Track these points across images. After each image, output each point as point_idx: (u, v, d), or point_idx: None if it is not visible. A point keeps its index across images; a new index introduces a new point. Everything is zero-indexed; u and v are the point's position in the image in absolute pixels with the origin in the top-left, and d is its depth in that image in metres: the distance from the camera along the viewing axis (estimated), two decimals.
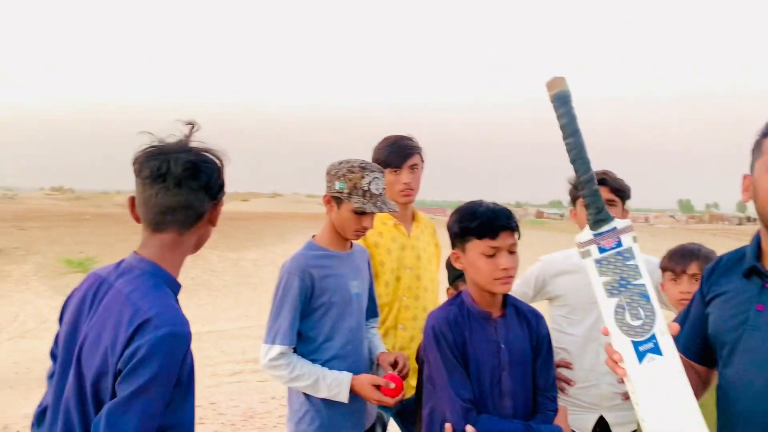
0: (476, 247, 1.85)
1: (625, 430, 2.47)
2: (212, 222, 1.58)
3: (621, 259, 1.50)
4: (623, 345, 1.46)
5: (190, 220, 1.51)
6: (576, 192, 2.54)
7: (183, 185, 1.47)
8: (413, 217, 2.86)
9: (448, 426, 1.83)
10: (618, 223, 1.53)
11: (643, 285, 1.48)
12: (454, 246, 1.96)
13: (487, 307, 1.91)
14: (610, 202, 2.48)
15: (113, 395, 1.37)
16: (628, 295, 1.48)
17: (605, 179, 2.48)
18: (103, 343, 1.40)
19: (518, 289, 2.63)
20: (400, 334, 2.71)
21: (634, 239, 1.53)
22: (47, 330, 9.02)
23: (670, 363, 1.44)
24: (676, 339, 1.76)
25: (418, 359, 2.42)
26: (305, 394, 2.28)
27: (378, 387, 2.22)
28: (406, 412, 2.74)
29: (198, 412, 5.55)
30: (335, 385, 2.21)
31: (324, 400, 2.25)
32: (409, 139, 2.81)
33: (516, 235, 1.88)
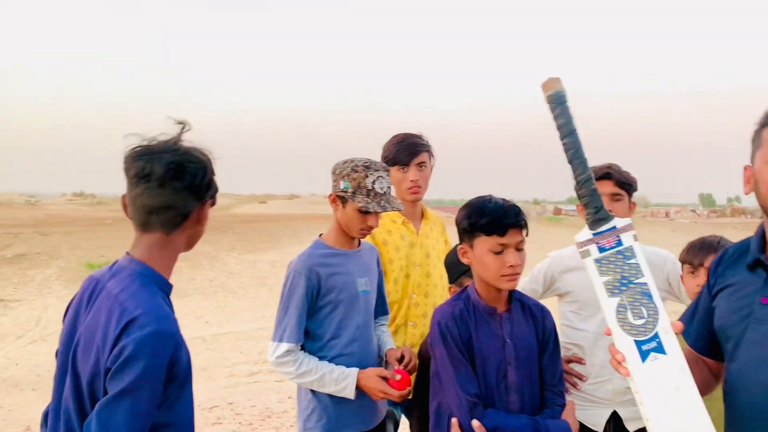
0: (484, 243, 1.85)
1: (639, 425, 2.44)
2: (201, 222, 1.58)
3: (621, 258, 1.49)
4: (626, 345, 1.45)
5: (175, 220, 1.51)
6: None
7: (166, 186, 1.47)
8: (422, 215, 2.86)
9: (454, 421, 1.83)
10: (618, 221, 1.53)
11: (645, 284, 1.47)
12: (461, 241, 1.96)
13: (492, 302, 1.91)
14: (616, 196, 2.46)
15: (105, 394, 1.38)
16: (630, 294, 1.47)
17: (610, 173, 2.46)
18: (95, 344, 1.43)
19: (527, 287, 2.62)
20: (411, 331, 2.71)
21: (635, 237, 1.51)
22: None
23: (674, 361, 1.43)
24: (687, 333, 1.75)
25: (420, 355, 2.42)
26: (313, 392, 2.29)
27: (385, 380, 2.22)
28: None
29: (215, 412, 5.62)
30: (342, 379, 2.21)
31: (332, 398, 2.26)
32: (418, 137, 2.81)
33: (524, 233, 1.88)
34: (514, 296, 1.96)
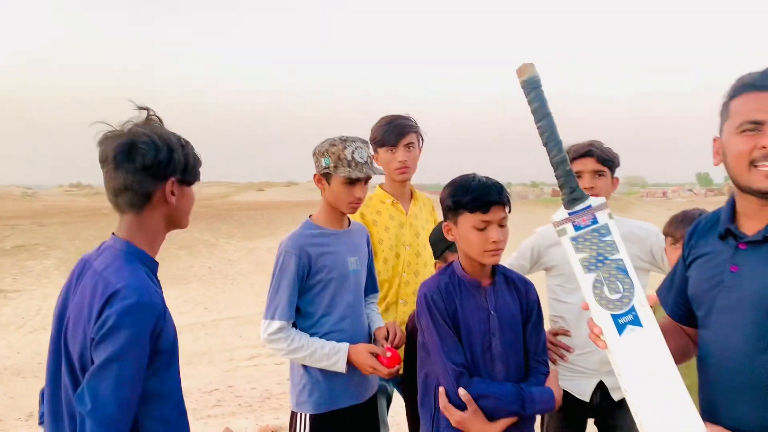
0: (468, 220, 1.90)
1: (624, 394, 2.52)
2: (170, 200, 1.60)
3: (597, 235, 1.54)
4: (603, 318, 1.51)
5: (137, 201, 1.56)
6: None
7: (120, 168, 1.53)
8: (411, 196, 2.91)
9: (441, 390, 1.89)
10: (593, 201, 1.58)
11: (621, 259, 1.52)
12: (446, 218, 2.00)
13: (477, 276, 1.96)
14: (599, 173, 2.51)
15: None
16: (606, 270, 1.52)
17: (592, 150, 2.50)
18: (83, 319, 1.49)
19: (515, 262, 2.67)
20: (401, 308, 2.77)
21: (610, 216, 1.57)
22: None
23: (650, 334, 1.48)
24: (665, 303, 1.81)
25: (407, 329, 2.48)
26: (305, 368, 2.35)
27: (376, 356, 2.29)
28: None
29: (216, 395, 5.71)
30: (333, 353, 2.27)
31: (323, 373, 2.32)
32: (406, 118, 2.86)
33: (507, 209, 1.92)
34: (498, 270, 2.01)
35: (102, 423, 1.40)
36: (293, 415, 2.39)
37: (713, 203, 1.81)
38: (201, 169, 1.71)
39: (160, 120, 1.65)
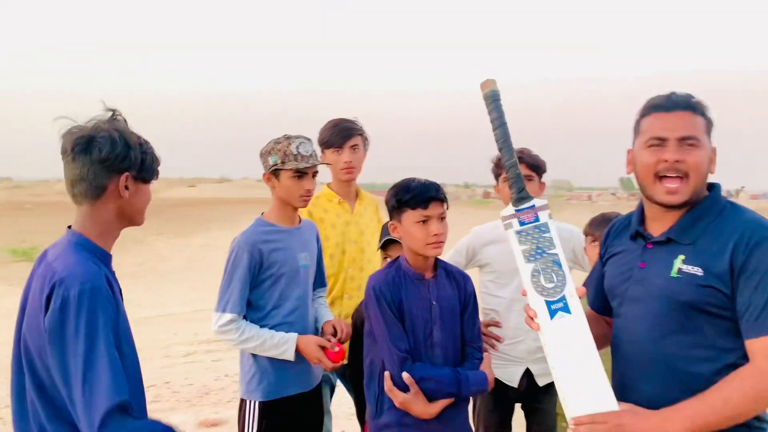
0: (410, 216, 2.08)
1: (548, 379, 2.75)
2: (123, 194, 1.66)
3: (538, 231, 1.76)
4: (538, 303, 1.72)
5: (91, 192, 1.64)
6: (498, 170, 2.83)
7: (77, 159, 1.62)
8: (357, 195, 3.08)
9: (387, 374, 2.06)
10: (536, 201, 1.80)
11: (557, 254, 1.75)
12: (391, 217, 2.18)
13: (420, 269, 2.15)
14: (527, 177, 2.74)
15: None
16: (543, 262, 1.74)
17: (522, 157, 2.73)
18: (35, 309, 1.55)
19: (452, 260, 2.88)
20: (347, 302, 2.94)
21: (550, 216, 1.79)
22: None
23: (577, 320, 1.70)
24: (588, 296, 2.05)
25: (354, 319, 2.65)
26: (254, 358, 2.47)
27: (323, 349, 2.44)
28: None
29: (152, 391, 5.70)
30: (282, 343, 2.41)
31: (272, 363, 2.44)
32: (351, 121, 3.02)
33: (444, 205, 2.12)
34: (439, 264, 2.21)
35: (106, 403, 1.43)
36: (243, 402, 2.50)
37: (634, 206, 2.06)
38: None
39: (125, 121, 1.73)
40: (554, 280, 1.72)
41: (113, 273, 1.70)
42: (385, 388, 2.07)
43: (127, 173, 1.67)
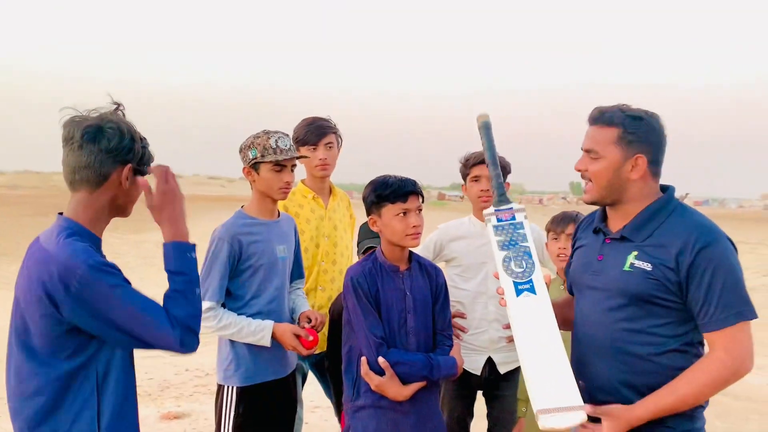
0: (390, 210, 2.23)
1: (509, 367, 2.95)
2: (123, 185, 1.73)
3: (513, 227, 1.99)
4: (507, 283, 1.93)
5: (95, 179, 1.71)
6: (465, 170, 3.01)
7: (84, 147, 1.69)
8: (330, 191, 3.21)
9: (363, 359, 2.21)
10: (515, 205, 2.04)
11: (528, 247, 1.96)
12: (370, 213, 2.32)
13: (396, 261, 2.30)
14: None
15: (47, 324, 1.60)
16: (515, 251, 1.95)
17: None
18: (34, 292, 1.62)
19: (421, 254, 3.04)
20: (320, 294, 3.07)
21: (525, 217, 2.02)
22: None
23: (542, 301, 1.90)
24: (567, 282, 2.24)
25: (331, 311, 2.78)
26: (232, 344, 2.57)
27: (298, 337, 2.56)
28: (323, 363, 3.11)
29: None
30: (259, 330, 2.52)
31: (249, 350, 2.55)
32: (326, 120, 3.15)
33: (420, 199, 2.29)
34: (413, 257, 2.37)
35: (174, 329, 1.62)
36: (220, 387, 2.60)
37: (584, 210, 2.26)
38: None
39: (124, 115, 1.81)
40: (523, 267, 1.94)
41: (104, 257, 1.75)
42: (362, 372, 2.21)
43: (130, 165, 1.76)
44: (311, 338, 2.58)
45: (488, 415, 3.08)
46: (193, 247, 1.78)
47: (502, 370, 2.95)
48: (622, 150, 1.87)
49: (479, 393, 3.10)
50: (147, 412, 5.00)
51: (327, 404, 4.83)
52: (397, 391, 2.18)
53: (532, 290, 1.91)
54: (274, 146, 2.57)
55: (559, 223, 2.89)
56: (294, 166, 2.68)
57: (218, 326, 2.51)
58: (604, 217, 2.03)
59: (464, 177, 3.03)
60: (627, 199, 1.91)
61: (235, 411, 2.55)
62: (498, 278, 1.97)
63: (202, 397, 5.51)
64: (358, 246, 2.82)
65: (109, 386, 1.70)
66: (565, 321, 2.06)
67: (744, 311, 1.74)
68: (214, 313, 2.50)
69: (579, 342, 2.00)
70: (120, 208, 1.81)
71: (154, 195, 1.76)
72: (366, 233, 2.70)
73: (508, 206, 2.03)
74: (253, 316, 2.58)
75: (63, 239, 1.65)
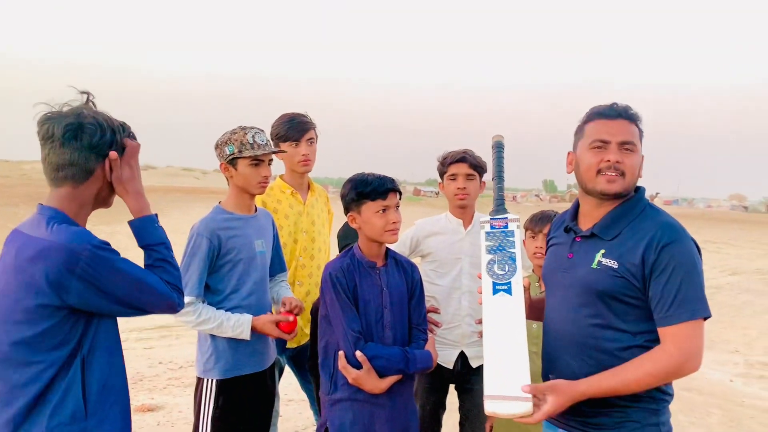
0: (370, 207, 2.29)
1: (481, 362, 2.98)
2: (107, 177, 1.76)
3: (504, 235, 2.08)
4: (486, 283, 2.02)
5: (79, 175, 1.73)
6: (443, 168, 3.07)
7: (66, 145, 1.70)
8: (309, 187, 3.25)
9: (341, 353, 2.26)
10: (510, 215, 2.13)
11: (514, 253, 2.05)
12: (349, 210, 2.36)
13: (373, 258, 2.35)
14: (470, 176, 3.01)
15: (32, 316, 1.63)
16: (500, 256, 2.04)
17: (465, 157, 3.00)
18: (26, 284, 1.62)
19: (397, 249, 3.10)
20: (297, 289, 3.11)
21: (518, 227, 2.11)
22: None
23: (516, 301, 1.97)
24: None
25: (314, 308, 2.82)
26: (211, 338, 2.59)
27: (277, 324, 2.59)
28: (300, 357, 3.16)
29: None
30: (238, 325, 2.55)
31: (228, 343, 2.58)
32: (305, 115, 3.18)
33: (398, 196, 2.35)
34: (389, 254, 2.42)
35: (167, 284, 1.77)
36: (199, 381, 2.63)
37: (557, 208, 2.35)
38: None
39: (94, 105, 1.82)
40: (505, 270, 2.02)
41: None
42: (339, 365, 2.26)
43: (113, 159, 1.77)
44: (291, 319, 2.62)
45: (460, 408, 3.14)
46: (156, 216, 1.89)
47: (474, 364, 3.02)
48: (641, 148, 1.97)
49: (452, 386, 3.17)
50: None
51: (301, 398, 4.89)
52: (374, 384, 2.24)
53: (508, 291, 1.99)
54: (251, 142, 2.60)
55: (537, 222, 2.97)
56: (271, 161, 2.71)
57: (198, 321, 2.53)
58: (575, 216, 2.09)
59: (441, 175, 3.10)
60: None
61: (214, 404, 2.57)
62: (480, 278, 2.04)
63: (175, 390, 5.52)
64: (339, 244, 2.86)
65: (94, 363, 1.72)
66: (539, 313, 2.18)
67: (697, 309, 1.79)
68: (193, 308, 2.52)
69: (549, 337, 2.07)
70: (103, 200, 1.83)
71: (123, 168, 1.80)
72: (348, 234, 2.75)
73: (504, 215, 2.12)
74: (233, 310, 2.60)
75: (56, 226, 1.66)
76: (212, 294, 2.62)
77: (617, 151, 1.91)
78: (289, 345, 3.07)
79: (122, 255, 1.71)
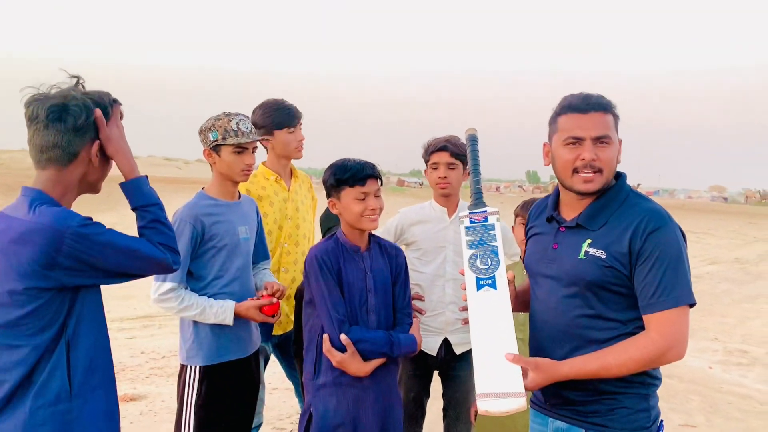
0: (350, 194, 2.27)
1: (465, 348, 3.03)
2: (93, 161, 1.74)
3: (484, 228, 2.05)
4: (470, 279, 1.98)
5: (64, 158, 1.71)
6: (426, 157, 3.07)
7: (50, 127, 1.69)
8: (292, 173, 3.23)
9: (326, 336, 2.25)
10: (489, 208, 2.10)
11: (496, 246, 2.02)
12: (329, 195, 2.36)
13: (356, 242, 2.35)
14: (451, 165, 2.98)
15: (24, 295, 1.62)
16: (482, 250, 2.01)
17: (446, 146, 2.98)
18: (14, 268, 1.62)
19: (382, 237, 3.10)
20: (283, 276, 3.09)
21: (498, 219, 2.08)
22: None
23: (501, 295, 1.94)
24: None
25: (298, 296, 2.81)
26: (194, 324, 2.57)
27: (260, 309, 2.58)
28: (286, 345, 3.14)
29: None
30: (221, 311, 2.53)
31: (211, 329, 2.56)
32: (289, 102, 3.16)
33: (379, 182, 2.34)
34: (373, 239, 2.42)
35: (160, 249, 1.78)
36: (182, 368, 2.61)
37: (539, 198, 2.36)
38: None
39: (84, 89, 1.80)
40: (488, 264, 1.98)
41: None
42: (324, 349, 2.25)
43: (98, 141, 1.76)
44: (275, 300, 2.61)
45: (444, 395, 3.16)
46: (147, 178, 1.90)
47: (458, 350, 3.03)
48: (616, 136, 1.91)
49: (435, 373, 3.18)
50: None
51: (285, 386, 4.89)
52: (358, 367, 2.24)
53: (493, 285, 1.96)
54: (236, 128, 2.57)
55: (528, 209, 2.98)
56: (255, 148, 2.69)
57: (180, 307, 2.50)
58: (557, 206, 2.04)
59: (426, 163, 3.09)
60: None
61: (197, 390, 2.56)
62: (463, 274, 2.01)
63: (158, 379, 5.49)
64: (322, 228, 2.86)
65: (79, 343, 1.71)
66: (527, 305, 2.14)
67: (681, 296, 1.76)
68: (175, 294, 2.50)
69: (537, 329, 2.04)
70: (90, 185, 1.82)
71: (111, 128, 1.80)
72: (330, 218, 2.74)
73: (482, 209, 2.09)
74: (216, 296, 2.58)
75: (39, 208, 1.64)
76: (195, 280, 2.59)
77: (592, 148, 1.86)
78: (274, 332, 3.06)
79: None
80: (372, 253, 2.38)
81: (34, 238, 1.59)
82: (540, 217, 2.11)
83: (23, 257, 1.60)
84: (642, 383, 1.86)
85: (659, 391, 1.94)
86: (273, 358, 3.24)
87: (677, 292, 1.76)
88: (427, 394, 3.16)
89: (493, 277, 1.96)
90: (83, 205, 1.69)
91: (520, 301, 2.21)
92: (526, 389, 1.79)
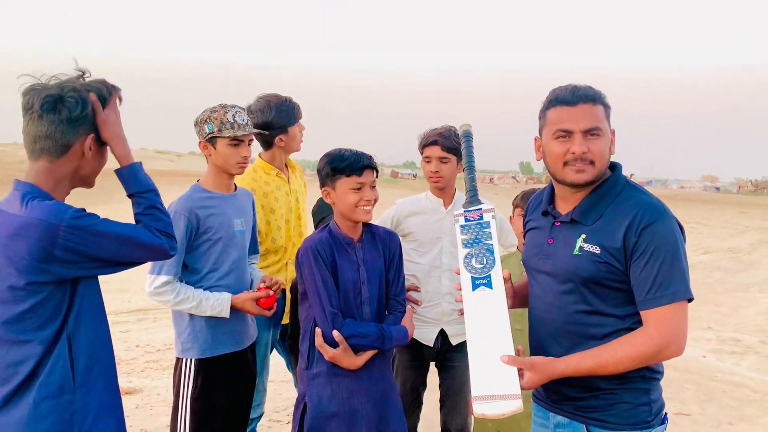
0: (345, 184, 2.25)
1: (461, 339, 3.02)
2: (86, 154, 1.73)
3: (479, 227, 2.04)
4: (465, 279, 1.97)
5: (56, 149, 1.70)
6: (420, 149, 3.05)
7: (44, 117, 1.68)
8: (287, 164, 3.23)
9: (318, 330, 2.24)
10: (483, 206, 2.09)
11: (492, 245, 2.00)
12: (323, 185, 2.33)
13: (349, 233, 2.33)
14: (443, 159, 2.95)
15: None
16: (478, 249, 2.00)
17: (437, 140, 2.95)
18: (12, 265, 1.61)
19: None
20: (291, 267, 3.11)
21: (493, 216, 2.07)
22: None
23: (497, 295, 1.93)
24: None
25: (293, 286, 2.80)
26: (189, 317, 2.55)
27: (257, 301, 2.57)
28: (285, 335, 3.14)
29: None
30: (217, 304, 2.52)
31: (207, 323, 2.54)
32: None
33: (375, 173, 2.31)
34: (366, 229, 2.40)
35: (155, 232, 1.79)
36: (178, 360, 2.60)
37: (533, 189, 2.34)
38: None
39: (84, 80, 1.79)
40: (484, 263, 1.97)
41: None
42: (316, 343, 2.25)
43: (92, 134, 1.74)
44: (272, 293, 2.60)
45: (440, 386, 3.16)
46: (141, 164, 1.89)
47: (454, 341, 3.03)
48: (608, 126, 1.87)
49: (432, 364, 3.18)
50: None
51: (281, 378, 4.89)
52: (350, 361, 2.24)
53: (488, 285, 1.94)
54: (232, 121, 2.55)
55: (527, 200, 2.97)
56: (251, 141, 2.67)
57: (176, 300, 2.49)
58: (552, 200, 2.01)
59: (421, 155, 3.08)
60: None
61: (193, 383, 2.55)
62: (458, 273, 2.00)
63: (153, 373, 5.48)
64: (314, 220, 2.85)
65: (81, 335, 1.72)
66: (525, 300, 2.11)
67: (678, 292, 1.73)
68: (171, 287, 2.48)
69: (534, 326, 2.02)
70: (83, 178, 1.80)
71: (109, 114, 1.80)
72: (321, 209, 2.73)
73: (477, 207, 2.08)
74: (211, 289, 2.57)
75: (31, 202, 1.63)
76: (190, 273, 2.58)
77: (582, 140, 1.81)
78: (284, 321, 3.09)
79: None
80: (364, 245, 2.36)
81: (29, 232, 1.59)
82: (537, 210, 2.08)
83: (20, 252, 1.60)
84: (642, 377, 1.83)
85: None
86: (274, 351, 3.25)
87: (674, 287, 1.73)
88: (424, 385, 3.16)
89: (489, 276, 1.94)
90: (77, 198, 1.67)
91: (519, 297, 2.17)
92: (523, 389, 1.76)
